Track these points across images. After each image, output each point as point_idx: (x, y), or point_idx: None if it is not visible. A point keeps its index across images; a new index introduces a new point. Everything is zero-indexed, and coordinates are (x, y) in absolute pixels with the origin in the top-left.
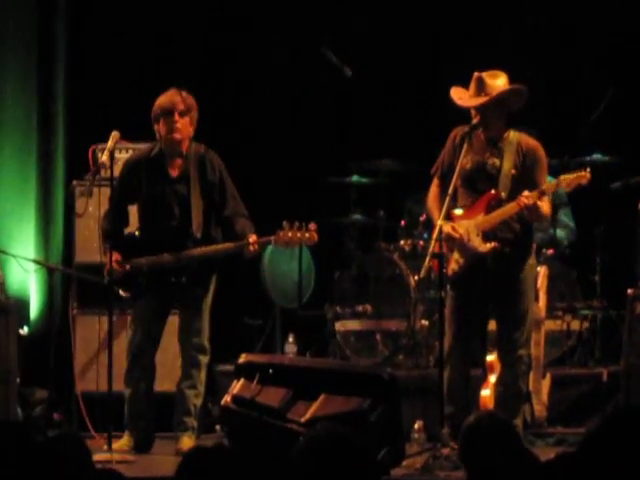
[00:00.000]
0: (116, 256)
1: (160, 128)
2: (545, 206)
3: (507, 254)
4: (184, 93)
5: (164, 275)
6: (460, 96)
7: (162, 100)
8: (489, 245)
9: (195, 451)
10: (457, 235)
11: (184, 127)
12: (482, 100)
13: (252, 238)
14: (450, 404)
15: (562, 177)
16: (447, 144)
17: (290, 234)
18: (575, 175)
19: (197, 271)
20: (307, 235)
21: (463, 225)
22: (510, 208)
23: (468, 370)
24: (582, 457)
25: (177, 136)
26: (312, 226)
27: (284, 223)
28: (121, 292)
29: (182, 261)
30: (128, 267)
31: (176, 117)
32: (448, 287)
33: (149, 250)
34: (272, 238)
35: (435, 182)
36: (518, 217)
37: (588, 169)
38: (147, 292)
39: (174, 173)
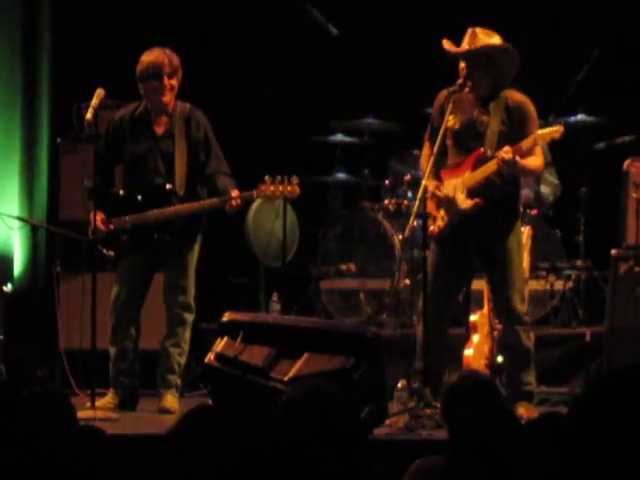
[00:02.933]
0: (100, 215)
1: (147, 88)
2: (535, 159)
3: (492, 212)
4: (169, 52)
5: (148, 233)
6: (450, 45)
7: (148, 61)
8: (471, 201)
9: (194, 411)
10: (441, 194)
11: (172, 89)
12: (468, 48)
13: (234, 193)
14: (420, 360)
15: (537, 132)
16: (434, 108)
17: (272, 187)
18: (549, 130)
19: (181, 229)
20: (289, 188)
21: (450, 183)
22: (491, 164)
23: (443, 326)
24: (570, 421)
25: (166, 99)
26: (294, 179)
27: (266, 177)
28: (105, 251)
29: (166, 218)
30: (112, 226)
31: (165, 80)
32: (432, 243)
33: (133, 208)
34: (254, 192)
35: (427, 145)
36: (503, 177)
37: (562, 123)
38: (131, 250)
39: (159, 130)
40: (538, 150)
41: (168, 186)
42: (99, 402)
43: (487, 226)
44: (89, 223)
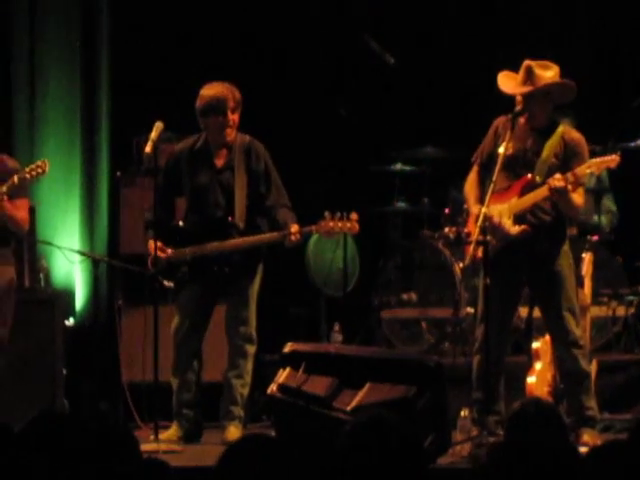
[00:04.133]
0: (159, 245)
1: (209, 123)
2: (577, 196)
3: (539, 238)
4: (232, 87)
5: (207, 264)
6: (506, 82)
7: (210, 95)
8: (519, 227)
9: (239, 441)
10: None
11: (234, 123)
12: (526, 89)
13: (294, 228)
14: (479, 389)
15: (592, 160)
16: (489, 133)
17: (331, 224)
18: (604, 159)
19: (241, 261)
20: (348, 225)
21: (496, 209)
22: (541, 191)
23: (501, 356)
24: (632, 444)
25: (229, 133)
26: (353, 216)
27: (326, 213)
28: (165, 282)
29: (225, 250)
30: (170, 251)
31: (228, 115)
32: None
33: (193, 240)
34: (314, 228)
35: (474, 169)
36: (552, 204)
37: (618, 153)
38: (190, 281)
39: (219, 163)
40: (580, 190)
41: (229, 219)
42: (163, 435)
43: (535, 252)
44: (149, 254)
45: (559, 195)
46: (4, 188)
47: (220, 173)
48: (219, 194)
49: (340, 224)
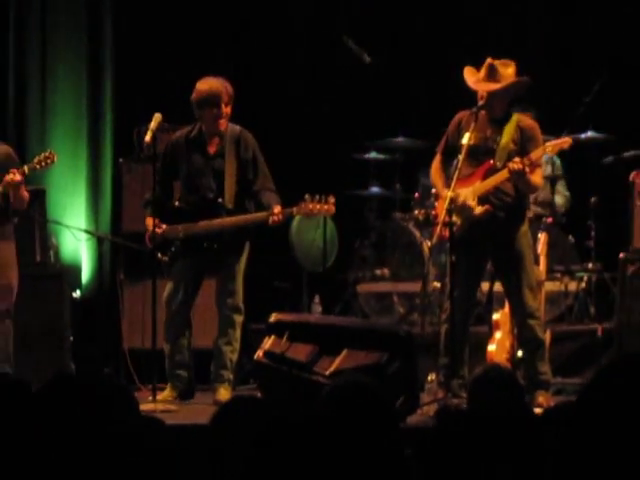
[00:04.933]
0: (156, 222)
1: (204, 114)
2: (536, 176)
3: (501, 218)
4: (225, 82)
5: (198, 241)
6: (472, 78)
7: (206, 89)
8: (482, 208)
9: (230, 401)
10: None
11: (227, 115)
12: (494, 87)
13: (277, 209)
14: (446, 355)
15: (547, 143)
16: (451, 125)
17: (311, 206)
18: (558, 141)
19: (230, 239)
20: (326, 207)
21: (462, 192)
22: (502, 174)
23: (466, 327)
24: (581, 406)
25: (222, 124)
26: (330, 199)
27: (306, 196)
28: (160, 256)
29: (214, 229)
30: (165, 227)
31: (222, 108)
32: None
33: (187, 218)
34: (294, 209)
35: (438, 158)
36: (513, 187)
37: (570, 136)
38: (183, 256)
39: (212, 150)
40: (539, 170)
41: (219, 200)
42: (159, 396)
43: (497, 231)
44: (147, 230)
45: (518, 176)
46: (18, 177)
47: (212, 159)
48: (211, 178)
49: (318, 206)
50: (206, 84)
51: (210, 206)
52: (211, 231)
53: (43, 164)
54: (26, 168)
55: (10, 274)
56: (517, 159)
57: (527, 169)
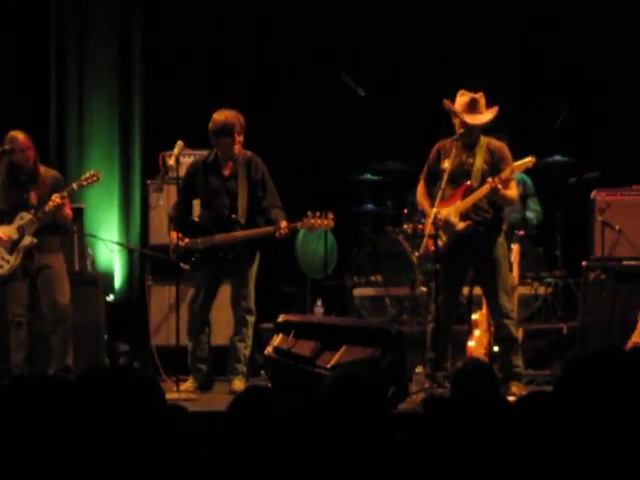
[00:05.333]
0: (179, 235)
1: (220, 142)
2: (511, 190)
3: (481, 232)
4: (238, 114)
5: (215, 252)
6: (462, 112)
7: (221, 120)
8: (464, 223)
9: (245, 390)
10: (441, 218)
11: (240, 142)
12: (485, 119)
13: (283, 224)
14: (432, 351)
15: (514, 163)
16: (431, 154)
17: (312, 220)
18: (523, 161)
19: (243, 249)
20: (326, 222)
21: (445, 210)
22: (479, 192)
23: (449, 325)
24: (555, 396)
25: (235, 151)
26: (330, 214)
27: (308, 212)
28: (182, 265)
29: (229, 241)
30: (186, 240)
31: (235, 137)
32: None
33: (205, 232)
34: (298, 224)
35: (421, 183)
36: (489, 204)
37: (533, 155)
38: (202, 265)
39: (226, 172)
40: (513, 185)
41: (233, 216)
42: (182, 386)
43: (477, 242)
44: (170, 242)
45: (493, 193)
46: (65, 193)
47: (227, 180)
48: (225, 197)
49: (319, 221)
50: (222, 115)
51: (225, 221)
52: (226, 243)
53: (89, 181)
54: (75, 185)
55: (65, 282)
56: (490, 179)
57: (500, 186)
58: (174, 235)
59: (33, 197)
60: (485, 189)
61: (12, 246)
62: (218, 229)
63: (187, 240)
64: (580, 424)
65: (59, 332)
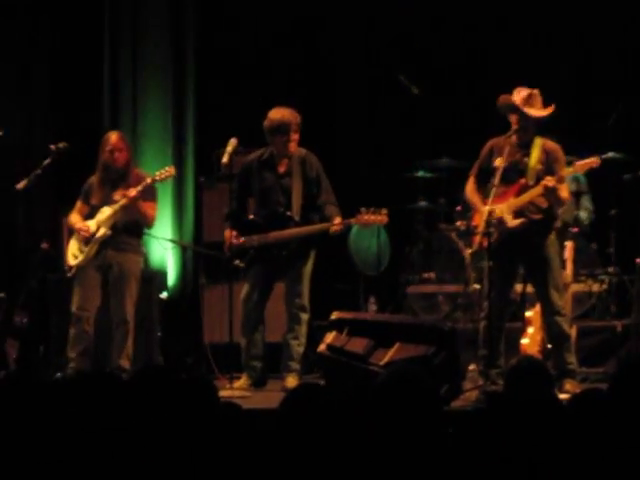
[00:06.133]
0: (234, 233)
1: (276, 140)
2: (564, 191)
3: (533, 229)
4: (294, 112)
5: (269, 249)
6: (532, 109)
7: (278, 118)
8: (517, 221)
9: (298, 387)
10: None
11: (295, 140)
12: (543, 113)
13: (337, 220)
14: (485, 348)
15: (577, 163)
16: (483, 151)
17: (366, 217)
18: (587, 161)
19: (297, 247)
20: (380, 217)
21: (499, 207)
22: (535, 190)
23: (502, 323)
24: (609, 394)
25: (291, 149)
26: (383, 211)
27: (362, 209)
28: (237, 262)
29: (284, 238)
30: (242, 240)
31: (291, 135)
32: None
33: (260, 230)
34: (353, 220)
35: (471, 180)
36: (544, 201)
37: (598, 157)
38: (257, 263)
39: (281, 170)
40: (565, 186)
41: (287, 213)
42: (236, 384)
43: (530, 240)
44: (225, 240)
45: (550, 192)
46: (139, 187)
47: (282, 178)
48: (280, 194)
49: (373, 217)
50: (279, 113)
51: (280, 219)
52: (281, 240)
53: (163, 176)
54: (149, 180)
55: (133, 284)
56: (549, 177)
57: (557, 185)
58: (229, 233)
59: (118, 195)
60: (541, 188)
61: (90, 238)
62: (272, 226)
63: (242, 239)
64: (636, 422)
65: (120, 331)
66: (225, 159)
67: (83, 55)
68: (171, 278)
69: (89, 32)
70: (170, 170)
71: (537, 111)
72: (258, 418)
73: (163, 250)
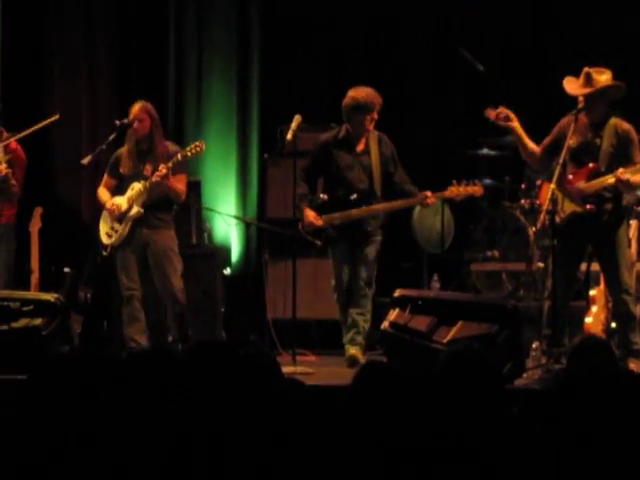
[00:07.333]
0: (313, 213)
1: (357, 119)
2: (637, 177)
3: (605, 211)
4: (376, 93)
5: (351, 226)
6: (571, 85)
7: (362, 97)
8: (588, 206)
9: (366, 364)
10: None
11: (374, 120)
12: (586, 90)
13: (428, 193)
14: (548, 327)
15: None
16: (556, 127)
17: (461, 188)
18: None
19: (376, 221)
20: (475, 188)
21: (567, 189)
22: (608, 179)
23: (567, 302)
24: None
25: (371, 127)
26: (477, 182)
27: (453, 181)
28: (316, 241)
29: (368, 214)
30: (321, 222)
31: (373, 114)
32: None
33: (339, 208)
34: (446, 192)
35: (538, 149)
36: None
37: None
38: (339, 240)
39: (359, 148)
40: (638, 168)
41: (372, 189)
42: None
43: (601, 223)
44: (299, 219)
45: (623, 185)
46: (170, 164)
47: (360, 156)
48: (361, 171)
49: (468, 188)
50: (363, 92)
51: (363, 195)
52: (362, 217)
53: (194, 151)
54: (180, 155)
55: (173, 259)
56: (622, 170)
57: (629, 178)
58: (310, 213)
59: (147, 169)
60: (612, 179)
61: (122, 216)
62: (353, 204)
63: (323, 219)
64: None
65: (170, 309)
66: (289, 136)
67: (148, 38)
68: (235, 254)
69: (154, 15)
70: (200, 145)
71: (573, 89)
72: (322, 395)
73: (226, 226)
